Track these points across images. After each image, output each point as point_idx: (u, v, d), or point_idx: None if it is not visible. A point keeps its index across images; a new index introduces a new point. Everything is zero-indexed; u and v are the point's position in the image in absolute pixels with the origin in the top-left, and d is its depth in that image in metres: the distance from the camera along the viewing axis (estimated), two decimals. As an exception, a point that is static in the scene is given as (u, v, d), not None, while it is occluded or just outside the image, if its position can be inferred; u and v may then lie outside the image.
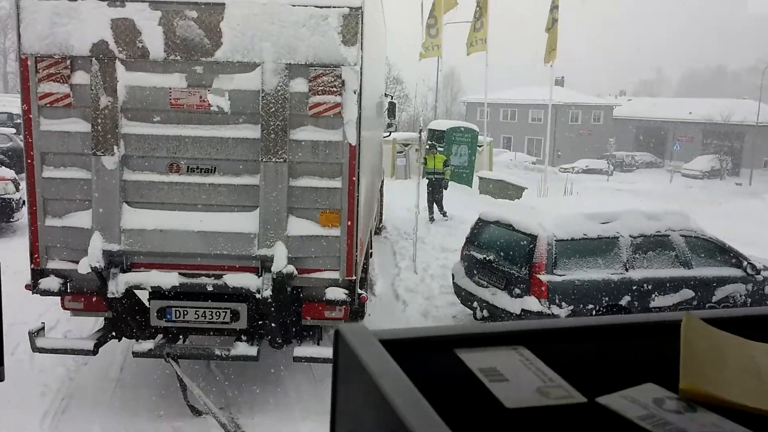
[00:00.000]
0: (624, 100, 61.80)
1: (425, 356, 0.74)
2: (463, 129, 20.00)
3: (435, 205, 13.99)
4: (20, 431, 5.36)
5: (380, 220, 12.70)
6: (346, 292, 5.38)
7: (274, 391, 6.15)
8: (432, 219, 13.95)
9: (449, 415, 0.59)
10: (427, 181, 14.12)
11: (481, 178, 19.26)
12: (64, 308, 5.60)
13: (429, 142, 15.99)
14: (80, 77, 5.04)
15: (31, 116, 5.06)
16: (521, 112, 54.58)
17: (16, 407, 5.53)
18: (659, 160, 52.32)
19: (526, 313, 6.86)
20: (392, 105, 13.41)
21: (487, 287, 7.50)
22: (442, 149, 14.26)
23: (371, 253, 8.97)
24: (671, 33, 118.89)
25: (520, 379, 0.70)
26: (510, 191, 17.79)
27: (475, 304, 7.63)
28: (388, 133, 13.44)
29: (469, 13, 22.55)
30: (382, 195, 12.69)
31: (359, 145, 5.21)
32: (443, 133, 19.39)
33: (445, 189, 14.03)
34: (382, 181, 12.70)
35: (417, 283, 9.53)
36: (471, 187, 19.09)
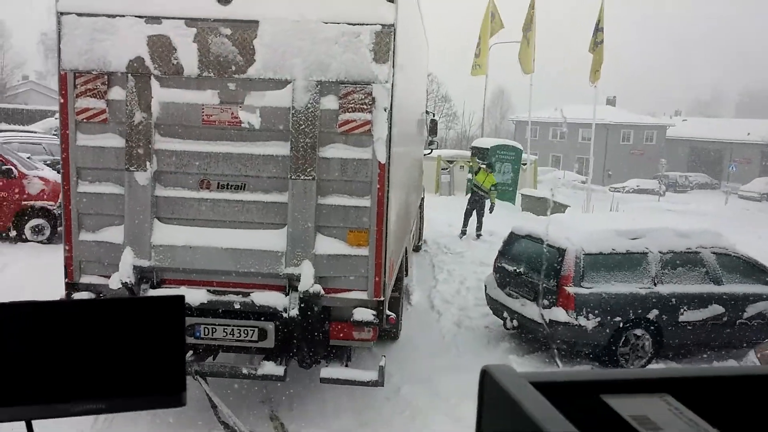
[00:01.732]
0: (678, 120, 60.21)
1: (573, 399, 0.74)
2: (507, 147, 19.88)
3: (476, 220, 13.87)
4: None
5: (419, 238, 12.56)
6: (374, 313, 5.26)
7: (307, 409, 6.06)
8: (464, 233, 13.81)
9: None
10: (470, 193, 14.04)
11: (523, 196, 19.11)
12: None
13: (482, 161, 15.95)
14: (116, 93, 5.11)
15: (68, 131, 5.16)
16: (571, 131, 53.72)
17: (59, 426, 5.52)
18: (715, 181, 50.60)
19: (553, 324, 7.16)
20: (434, 122, 13.34)
21: (517, 298, 7.80)
22: (490, 170, 14.10)
23: (407, 272, 8.83)
24: (729, 52, 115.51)
25: (673, 429, 0.69)
26: (553, 209, 17.53)
27: (506, 314, 7.93)
28: (429, 150, 13.34)
29: (518, 34, 22.45)
30: (422, 212, 12.58)
31: (389, 163, 5.12)
32: (487, 151, 19.27)
33: (490, 212, 13.86)
34: (423, 199, 12.60)
35: (453, 295, 9.81)
36: (514, 204, 19.08)
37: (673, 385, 0.78)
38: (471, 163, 15.02)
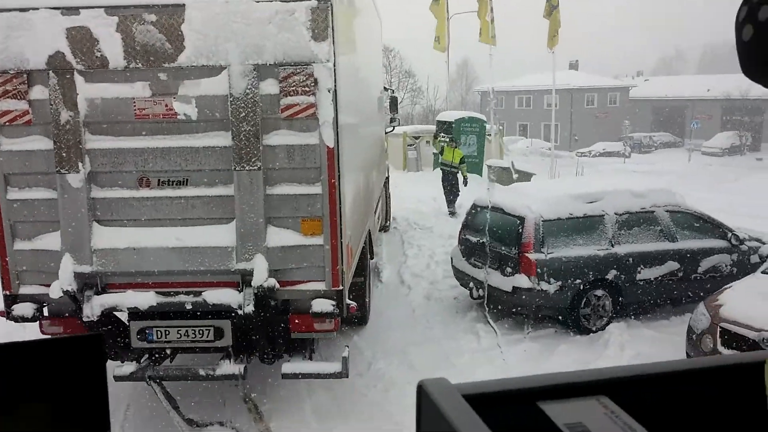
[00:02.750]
0: (641, 81, 60.64)
1: (508, 410, 0.73)
2: (471, 119, 19.79)
3: (453, 197, 13.74)
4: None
5: (386, 218, 12.38)
6: (333, 303, 5.06)
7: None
8: (453, 213, 13.59)
9: None
10: (441, 173, 13.89)
11: (489, 167, 19.09)
12: (43, 333, 5.35)
13: (443, 135, 15.75)
14: (38, 92, 4.78)
15: None
16: (536, 99, 53.80)
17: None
18: (678, 139, 51.25)
19: (516, 290, 7.36)
20: (394, 99, 13.14)
21: (481, 268, 7.94)
22: (455, 145, 13.92)
23: (372, 254, 8.65)
24: (691, 6, 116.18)
25: None
26: (518, 177, 17.53)
27: (471, 284, 8.11)
28: (391, 128, 13.12)
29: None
30: (387, 191, 12.40)
31: (338, 146, 4.88)
32: (451, 124, 19.13)
33: (465, 185, 13.68)
34: (387, 178, 12.40)
35: (422, 269, 9.91)
36: (481, 175, 19.05)
37: (609, 387, 0.78)
38: (433, 143, 14.78)
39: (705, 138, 46.24)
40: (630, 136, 45.93)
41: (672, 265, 7.75)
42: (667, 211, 7.90)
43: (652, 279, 7.68)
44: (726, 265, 7.98)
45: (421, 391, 0.76)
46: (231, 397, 5.94)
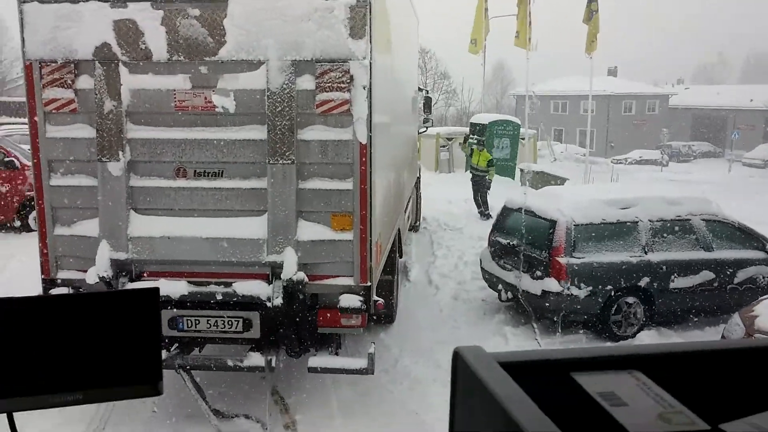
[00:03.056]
0: (681, 89, 59.46)
1: (542, 379, 0.74)
2: (505, 122, 19.67)
3: (482, 200, 13.71)
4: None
5: (417, 218, 12.39)
6: (361, 299, 5.11)
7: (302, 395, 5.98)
8: (488, 216, 13.45)
9: None
10: (471, 175, 13.90)
11: (522, 170, 18.95)
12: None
13: (474, 137, 15.70)
14: (84, 81, 4.93)
15: (37, 123, 4.98)
16: (572, 104, 53.14)
17: (52, 418, 5.43)
18: (718, 150, 50.05)
19: (546, 294, 7.26)
20: (428, 99, 13.16)
21: (510, 270, 7.88)
22: (482, 148, 13.89)
23: (401, 253, 8.68)
24: (735, 14, 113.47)
25: (639, 405, 0.70)
26: (551, 182, 17.38)
27: (500, 286, 8.07)
28: (424, 128, 13.14)
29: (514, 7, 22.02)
30: (419, 191, 12.42)
31: (371, 143, 4.93)
32: (485, 127, 19.07)
33: (488, 189, 13.67)
34: (419, 178, 12.42)
35: (451, 270, 9.88)
36: (513, 179, 18.97)
37: (643, 362, 0.79)
38: (462, 147, 14.71)
39: (746, 149, 45.08)
40: (668, 144, 45.11)
41: (707, 275, 7.60)
42: (703, 219, 7.76)
43: (686, 288, 7.54)
44: (763, 277, 7.80)
45: (457, 358, 0.77)
46: (257, 389, 6.02)
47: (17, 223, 11.61)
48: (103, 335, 1.11)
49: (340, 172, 4.96)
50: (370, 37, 4.77)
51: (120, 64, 4.86)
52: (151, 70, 4.89)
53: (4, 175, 11.57)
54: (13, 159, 11.65)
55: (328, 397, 5.95)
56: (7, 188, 11.60)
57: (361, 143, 4.88)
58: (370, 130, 4.90)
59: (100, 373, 1.10)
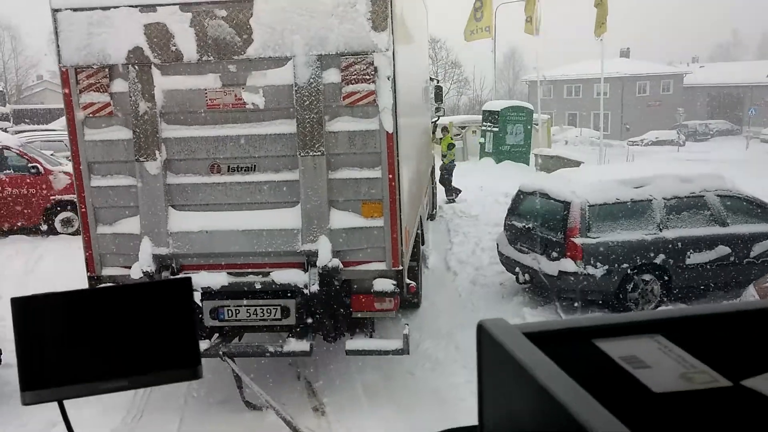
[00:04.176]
0: (696, 68, 58.79)
1: (565, 347, 0.76)
2: (517, 108, 19.71)
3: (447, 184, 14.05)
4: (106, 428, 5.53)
5: (433, 206, 12.54)
6: (394, 282, 5.28)
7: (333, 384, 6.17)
8: (452, 200, 13.94)
9: (599, 400, 0.62)
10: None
11: (536, 155, 19.00)
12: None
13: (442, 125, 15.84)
14: (119, 85, 5.13)
15: (75, 127, 5.20)
16: (586, 88, 52.81)
17: (94, 406, 5.66)
18: (736, 127, 49.50)
19: (562, 275, 7.38)
20: (439, 89, 13.29)
21: (527, 253, 8.00)
22: (446, 132, 14.21)
23: (423, 240, 8.84)
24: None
25: (661, 366, 0.71)
26: (566, 166, 17.45)
27: (517, 269, 8.15)
28: (436, 117, 13.28)
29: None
30: (434, 180, 12.56)
31: (397, 132, 5.09)
32: (498, 114, 19.13)
33: (450, 173, 14.01)
34: (433, 167, 12.56)
35: (468, 256, 10.02)
36: (528, 165, 19.04)
37: (664, 326, 0.79)
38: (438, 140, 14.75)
39: (765, 125, 44.61)
40: (684, 124, 44.73)
41: (723, 250, 7.66)
42: (717, 195, 7.83)
43: (702, 264, 7.61)
44: None
45: (482, 330, 0.78)
46: (284, 376, 6.22)
47: (44, 227, 11.93)
48: (144, 324, 1.17)
49: (369, 161, 5.13)
50: (392, 29, 4.92)
51: (152, 66, 5.06)
52: (182, 71, 5.08)
53: (29, 180, 11.87)
54: (37, 165, 11.94)
55: (353, 381, 6.13)
56: (33, 193, 11.91)
57: (387, 132, 5.04)
58: (396, 119, 5.06)
59: (143, 359, 1.17)
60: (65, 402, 1.14)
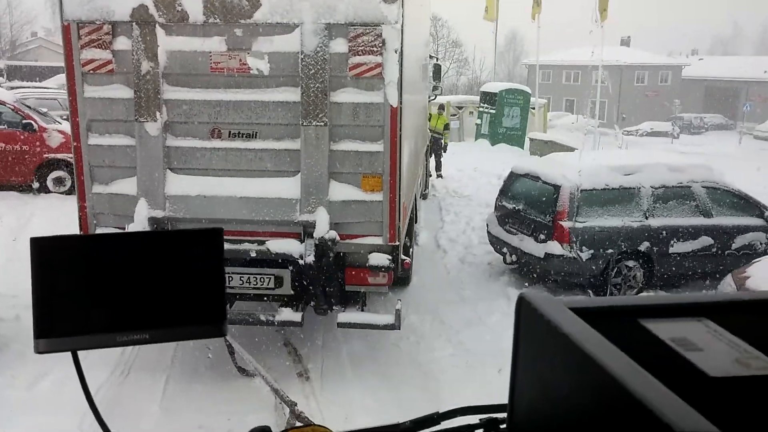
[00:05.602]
0: (695, 60, 58.72)
1: (611, 323, 0.74)
2: (515, 91, 19.68)
3: (434, 163, 14.18)
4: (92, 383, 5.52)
5: (426, 185, 12.53)
6: (390, 258, 5.28)
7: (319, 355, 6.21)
8: (438, 175, 14.19)
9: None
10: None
11: (531, 140, 19.05)
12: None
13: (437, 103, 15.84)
14: (122, 43, 5.04)
15: (75, 83, 5.11)
16: (585, 75, 52.59)
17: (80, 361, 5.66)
18: (731, 122, 49.64)
19: (549, 257, 7.50)
20: (437, 67, 13.19)
21: (515, 234, 8.13)
22: (442, 111, 14.39)
23: (416, 218, 8.85)
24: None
25: (714, 350, 0.69)
26: (560, 151, 17.51)
27: (505, 249, 8.32)
28: (433, 96, 13.23)
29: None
30: (428, 160, 12.52)
31: (401, 107, 5.05)
32: (495, 95, 19.09)
33: (444, 152, 14.27)
34: (428, 146, 12.52)
35: (458, 234, 10.16)
36: (522, 148, 19.10)
37: (709, 310, 0.78)
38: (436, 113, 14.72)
39: (759, 122, 44.74)
40: (680, 116, 44.79)
41: (706, 240, 7.83)
42: (704, 186, 7.96)
43: (685, 253, 7.77)
44: (761, 243, 8.01)
45: (523, 302, 0.76)
46: (271, 341, 6.28)
47: (36, 185, 11.83)
48: (170, 274, 1.10)
49: (371, 134, 5.09)
50: (402, 1, 4.85)
51: (157, 25, 4.97)
52: (187, 32, 4.99)
53: (23, 137, 11.71)
54: (31, 122, 11.78)
55: (339, 350, 6.22)
56: (26, 150, 11.78)
57: (392, 106, 5.00)
58: (401, 93, 5.02)
59: (166, 312, 1.09)
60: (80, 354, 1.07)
